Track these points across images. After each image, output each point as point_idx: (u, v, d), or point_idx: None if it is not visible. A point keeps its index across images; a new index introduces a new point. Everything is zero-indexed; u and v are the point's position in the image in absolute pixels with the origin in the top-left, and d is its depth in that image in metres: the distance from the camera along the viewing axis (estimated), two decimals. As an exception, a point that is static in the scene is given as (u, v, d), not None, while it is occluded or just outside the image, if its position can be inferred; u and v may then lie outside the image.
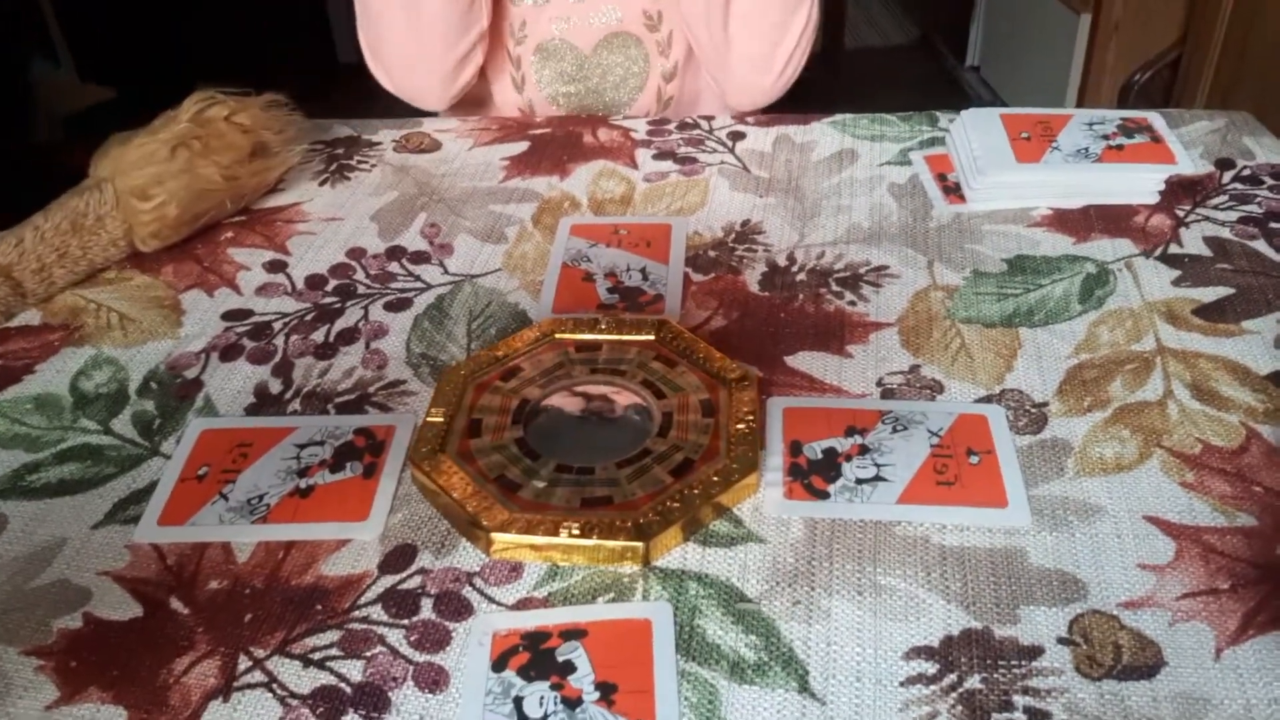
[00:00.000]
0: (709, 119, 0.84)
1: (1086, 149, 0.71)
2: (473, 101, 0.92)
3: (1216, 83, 2.00)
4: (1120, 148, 0.71)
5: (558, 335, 0.61)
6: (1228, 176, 0.74)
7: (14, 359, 0.64)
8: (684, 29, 0.88)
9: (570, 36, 0.88)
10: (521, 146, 0.82)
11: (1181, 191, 0.72)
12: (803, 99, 0.91)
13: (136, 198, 0.69)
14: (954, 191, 0.73)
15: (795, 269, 0.67)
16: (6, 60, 2.75)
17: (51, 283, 0.68)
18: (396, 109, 1.00)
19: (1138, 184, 0.70)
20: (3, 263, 0.67)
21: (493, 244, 0.71)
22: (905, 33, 3.11)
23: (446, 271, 0.69)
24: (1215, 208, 0.71)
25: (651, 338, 0.60)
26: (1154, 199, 0.71)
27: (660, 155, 0.80)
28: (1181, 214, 0.70)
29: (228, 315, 0.66)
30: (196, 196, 0.71)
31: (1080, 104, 2.23)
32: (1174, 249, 0.67)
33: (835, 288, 0.65)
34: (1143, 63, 2.17)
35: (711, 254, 0.69)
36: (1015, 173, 0.70)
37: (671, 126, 0.84)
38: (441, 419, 0.55)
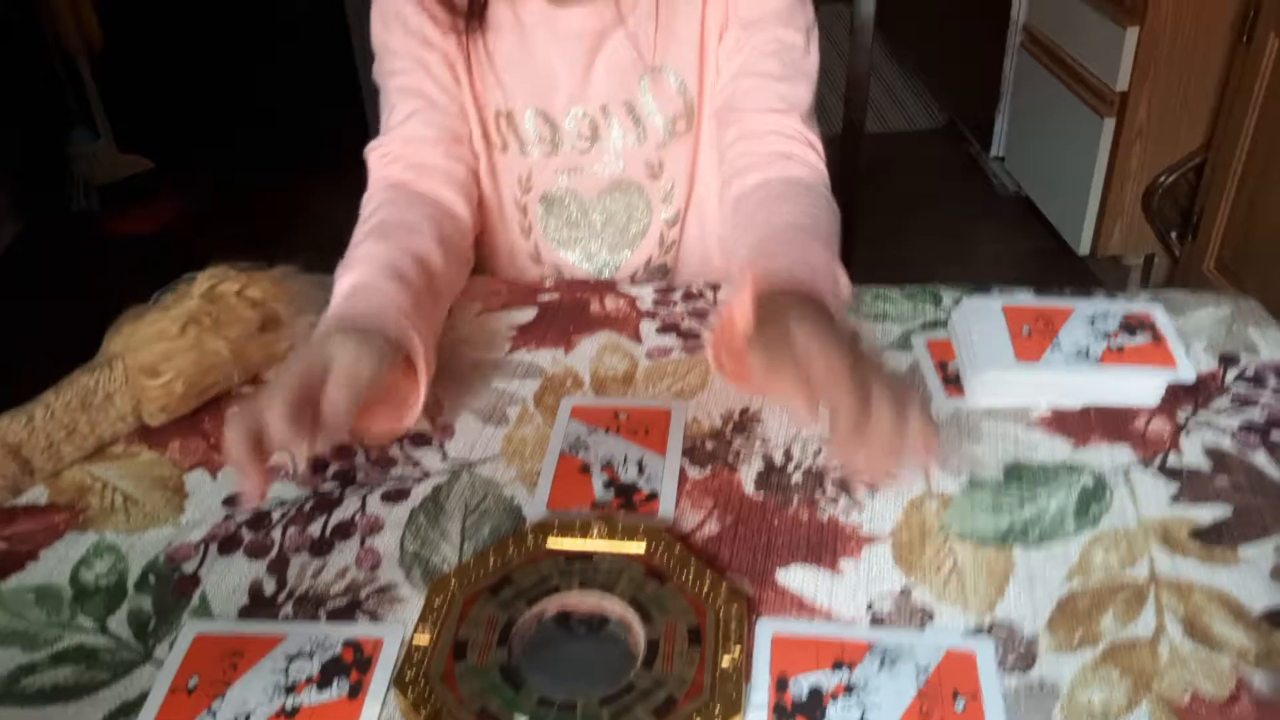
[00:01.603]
0: (715, 288, 0.85)
1: (1087, 349, 0.71)
2: (482, 248, 0.93)
3: (1241, 190, 1.99)
4: (1121, 349, 0.71)
5: (549, 544, 0.61)
6: (1231, 374, 0.74)
7: (19, 542, 0.65)
8: (685, 178, 0.90)
9: (575, 185, 0.90)
10: (529, 314, 0.83)
11: (1183, 392, 0.71)
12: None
13: (146, 375, 0.71)
14: (954, 383, 0.73)
15: (791, 467, 0.67)
16: (48, 131, 2.82)
17: (59, 459, 0.70)
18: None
19: (1138, 388, 0.70)
20: (12, 441, 0.68)
21: (494, 426, 0.72)
22: (932, 118, 3.13)
23: (446, 457, 0.70)
24: (1217, 411, 0.70)
25: (643, 550, 0.60)
26: (1154, 402, 0.71)
27: (664, 328, 0.81)
28: (1182, 418, 0.70)
29: (229, 500, 0.67)
30: (204, 371, 0.73)
31: (1104, 205, 2.24)
32: (1173, 459, 0.67)
33: (830, 492, 0.65)
34: (1167, 166, 2.17)
35: (709, 445, 0.70)
36: (1015, 372, 0.70)
37: (677, 296, 0.85)
38: (428, 639, 0.56)
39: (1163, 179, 2.19)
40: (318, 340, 0.63)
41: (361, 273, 0.71)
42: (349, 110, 2.66)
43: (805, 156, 0.81)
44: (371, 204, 0.81)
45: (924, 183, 2.88)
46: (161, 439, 0.73)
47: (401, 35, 0.84)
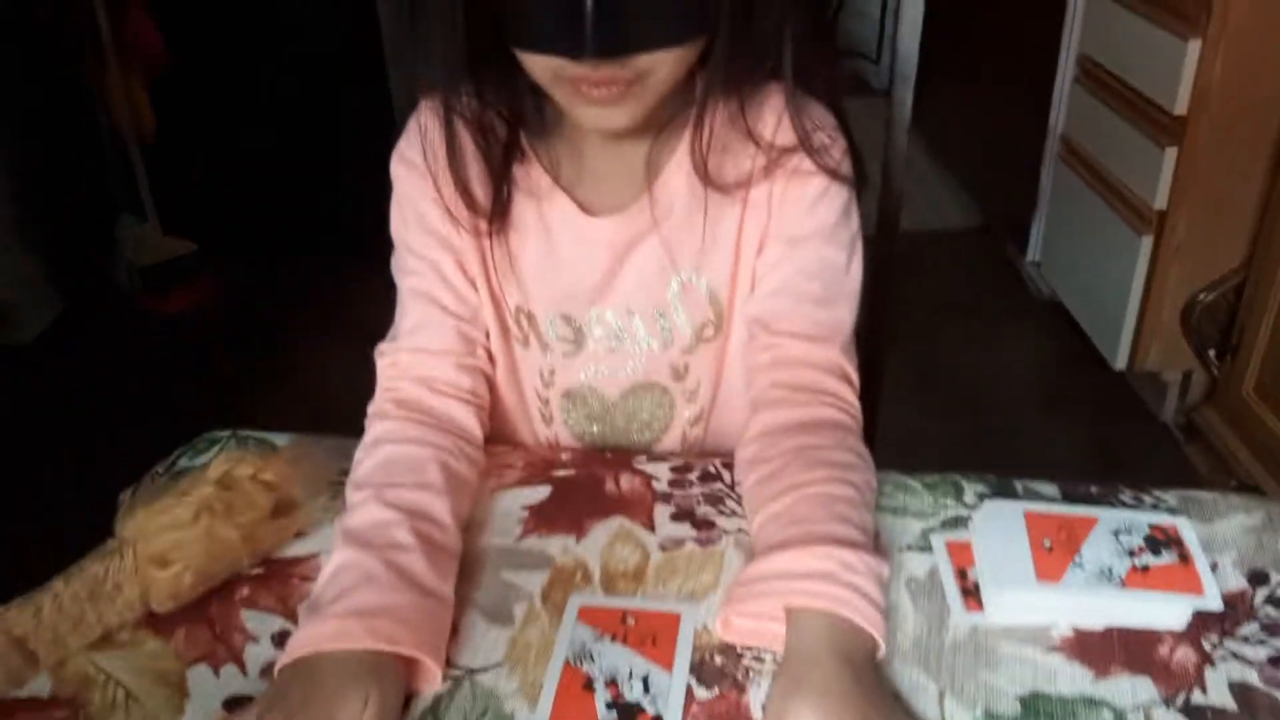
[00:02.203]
0: (729, 466, 0.84)
1: (1110, 569, 0.69)
2: (499, 436, 0.92)
3: (1284, 309, 1.96)
4: (1145, 569, 0.69)
5: (547, 775, 0.60)
6: (1260, 596, 0.71)
7: (17, 739, 0.65)
8: (711, 380, 0.89)
9: (598, 384, 0.89)
10: (543, 492, 0.83)
11: (1210, 616, 0.69)
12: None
13: (155, 565, 0.71)
14: (973, 594, 0.72)
15: (801, 689, 0.66)
16: (97, 214, 2.89)
17: (65, 649, 0.70)
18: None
19: (1163, 614, 0.68)
20: (18, 634, 0.68)
21: (499, 626, 0.71)
22: (968, 217, 3.13)
23: (449, 663, 0.68)
24: (1245, 639, 0.68)
25: (642, 792, 0.59)
26: (1180, 627, 0.68)
27: (678, 515, 0.80)
28: (1208, 647, 0.67)
29: (229, 702, 0.67)
30: (214, 560, 0.73)
31: (1141, 321, 2.21)
32: (1197, 696, 0.64)
33: (840, 722, 0.63)
34: (1206, 284, 2.15)
35: (718, 660, 0.68)
36: (1035, 592, 0.68)
37: (694, 476, 0.84)
38: None
39: (1202, 296, 2.16)
40: (326, 689, 0.62)
41: (365, 568, 0.69)
42: (386, 203, 2.70)
43: (839, 394, 0.79)
44: (377, 427, 0.80)
45: (958, 283, 2.87)
46: (168, 626, 0.72)
47: (419, 234, 0.84)
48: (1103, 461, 2.19)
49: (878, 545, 0.73)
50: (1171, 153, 2.03)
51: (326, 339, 2.59)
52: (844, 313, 0.82)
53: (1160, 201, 2.07)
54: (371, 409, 0.82)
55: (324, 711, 0.62)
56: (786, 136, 0.81)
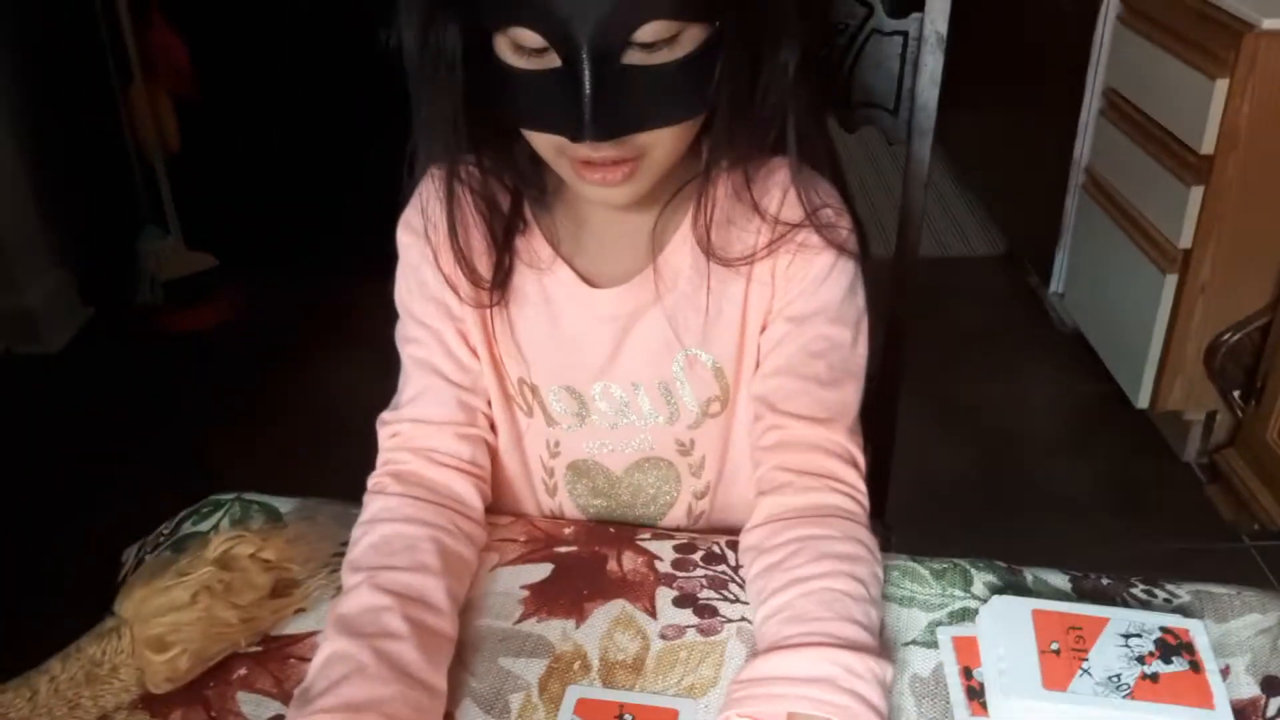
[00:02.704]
0: (734, 546, 0.83)
1: (1119, 676, 0.68)
2: (503, 505, 0.91)
3: (1309, 352, 1.93)
4: (1155, 678, 0.67)
5: None
6: (1273, 706, 0.70)
7: (9, 828, 0.65)
8: (717, 455, 0.88)
9: (602, 459, 0.88)
10: (545, 571, 0.82)
11: (1221, 731, 0.67)
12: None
13: (153, 649, 0.70)
14: (978, 696, 0.70)
15: (799, 799, 0.65)
16: (121, 227, 2.91)
17: (60, 731, 0.69)
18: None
19: (1171, 727, 0.67)
20: (14, 718, 0.68)
21: (495, 718, 0.70)
22: (992, 244, 3.10)
23: (445, 756, 0.68)
24: (1257, 755, 0.66)
25: None
26: (1189, 740, 0.67)
27: (681, 600, 0.79)
28: (1219, 763, 0.66)
29: (223, 794, 0.66)
30: (212, 641, 0.72)
31: (1164, 360, 2.18)
32: (1206, 818, 0.63)
33: (837, 834, 0.62)
34: (1230, 324, 2.12)
35: (714, 762, 0.67)
36: (1040, 700, 0.67)
37: (698, 557, 0.83)
38: None
39: (1226, 336, 2.13)
40: None
41: (356, 658, 0.68)
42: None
43: (845, 478, 0.78)
44: (375, 504, 0.79)
45: (980, 313, 2.84)
46: (164, 708, 0.72)
47: (421, 301, 0.83)
48: (1123, 501, 2.16)
49: (883, 638, 0.72)
50: (1197, 192, 2.00)
51: (345, 355, 2.59)
52: (850, 393, 0.81)
53: (1185, 240, 2.05)
54: (371, 483, 0.81)
55: None
56: (792, 211, 0.80)
